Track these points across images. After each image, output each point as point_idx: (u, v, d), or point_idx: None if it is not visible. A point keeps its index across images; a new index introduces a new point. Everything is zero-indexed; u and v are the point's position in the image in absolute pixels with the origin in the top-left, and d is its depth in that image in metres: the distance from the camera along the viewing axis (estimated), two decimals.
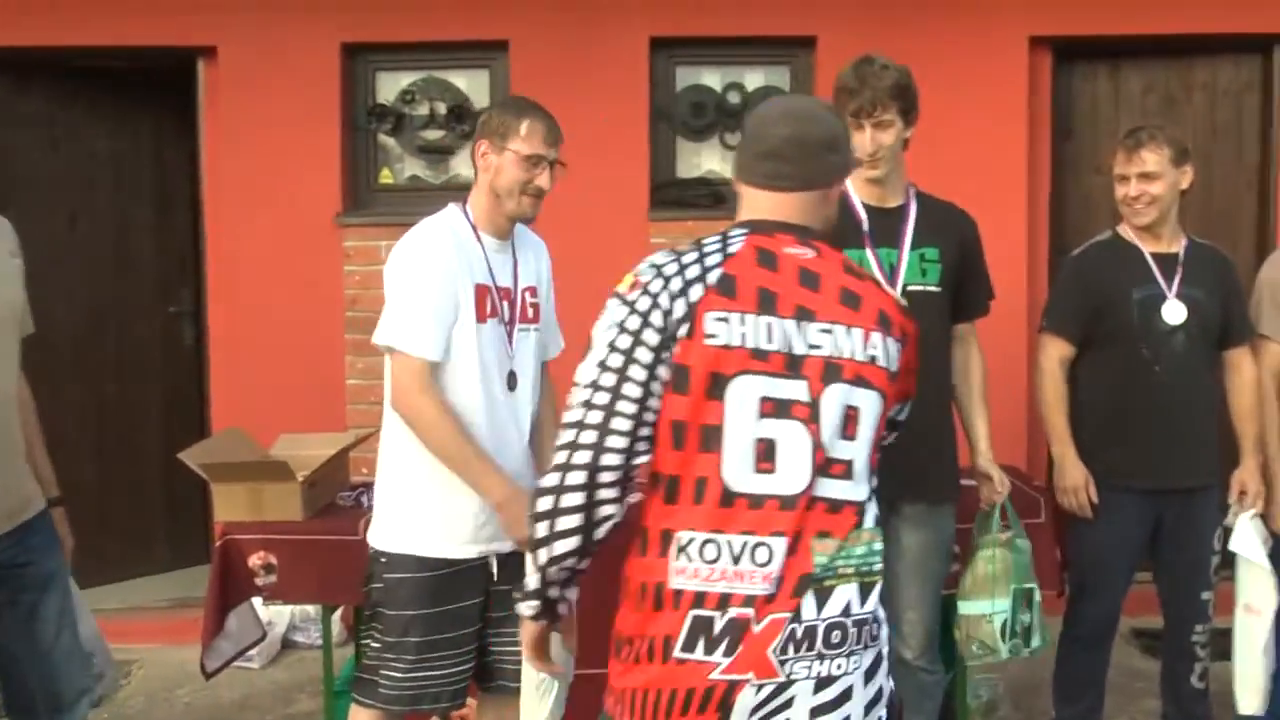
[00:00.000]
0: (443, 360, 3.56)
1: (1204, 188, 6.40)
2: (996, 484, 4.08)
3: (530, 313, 3.80)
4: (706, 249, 2.56)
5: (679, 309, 2.47)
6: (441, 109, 6.43)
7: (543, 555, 2.51)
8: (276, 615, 6.00)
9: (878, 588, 2.55)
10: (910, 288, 3.88)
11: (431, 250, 3.58)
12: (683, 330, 2.46)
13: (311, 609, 6.00)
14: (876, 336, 2.55)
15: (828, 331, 2.51)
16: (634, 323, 2.49)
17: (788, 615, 2.44)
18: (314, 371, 6.27)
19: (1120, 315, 4.30)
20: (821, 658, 2.46)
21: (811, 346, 2.50)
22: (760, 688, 2.44)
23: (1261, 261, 4.88)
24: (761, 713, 2.45)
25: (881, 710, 2.57)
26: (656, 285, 2.50)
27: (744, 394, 2.46)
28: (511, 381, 3.71)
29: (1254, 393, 4.48)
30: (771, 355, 2.47)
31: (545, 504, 2.48)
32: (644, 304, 2.49)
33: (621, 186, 6.22)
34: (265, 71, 6.25)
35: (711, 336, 2.45)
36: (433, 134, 6.45)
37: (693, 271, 2.51)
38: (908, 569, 3.98)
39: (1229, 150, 6.56)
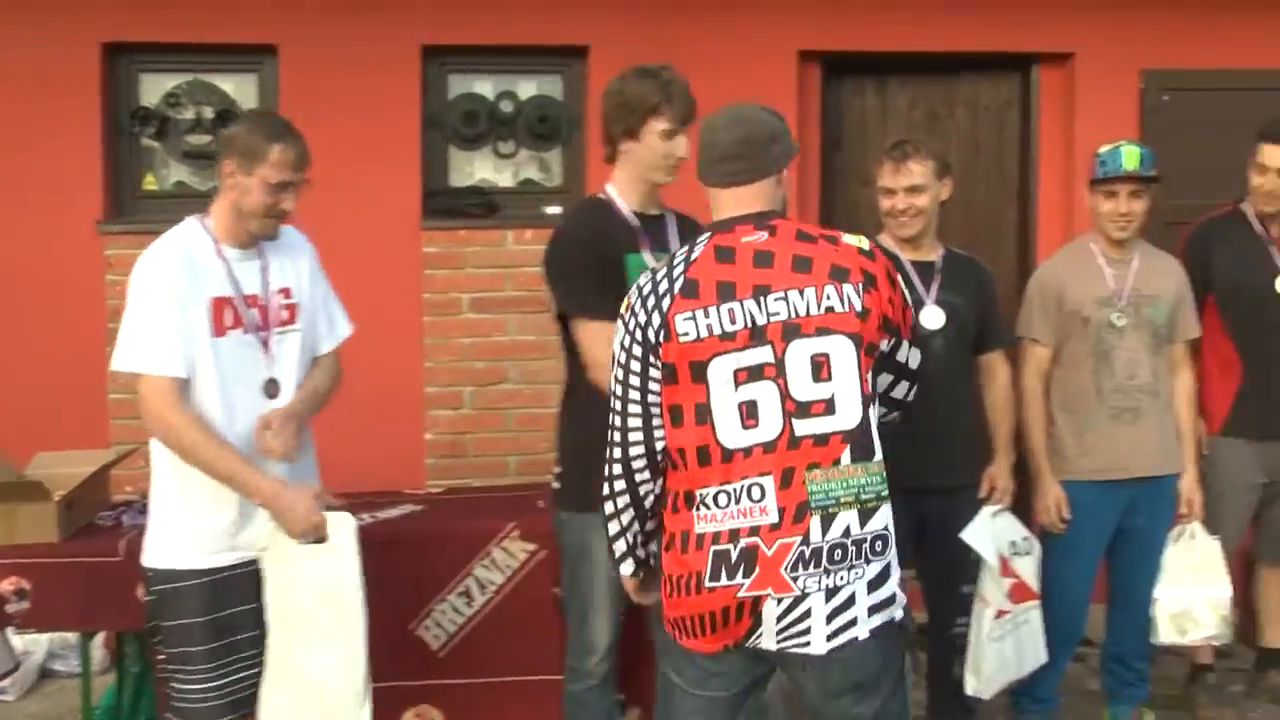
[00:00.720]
0: (189, 375, 3.53)
1: (967, 200, 6.59)
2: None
3: (286, 315, 3.76)
4: (674, 262, 3.11)
5: (655, 320, 3.04)
6: (208, 113, 6.25)
7: (614, 527, 3.21)
8: (33, 643, 5.76)
9: (880, 511, 3.01)
10: None
11: (159, 269, 3.55)
12: (661, 336, 3.03)
13: (71, 635, 5.77)
14: (830, 288, 3.02)
15: (782, 299, 3.00)
16: (626, 339, 3.10)
17: (797, 539, 2.95)
18: (75, 386, 6.02)
19: None
20: (828, 572, 2.96)
21: (771, 315, 3.00)
22: (780, 600, 2.97)
23: (1024, 270, 5.07)
24: (785, 621, 2.98)
25: (895, 611, 3.05)
26: (638, 305, 3.09)
27: (720, 371, 3.01)
28: (271, 389, 3.68)
29: (1007, 395, 4.71)
30: (737, 334, 3.00)
31: (605, 490, 3.16)
32: (631, 323, 3.10)
33: (394, 195, 6.14)
34: (23, 72, 6.01)
35: (684, 335, 3.01)
36: (199, 139, 6.26)
37: (663, 286, 3.07)
38: None
39: (991, 164, 6.76)
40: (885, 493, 3.04)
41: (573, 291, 3.90)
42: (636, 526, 3.20)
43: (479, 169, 6.42)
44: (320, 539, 3.63)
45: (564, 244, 3.98)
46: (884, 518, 3.03)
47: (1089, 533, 4.78)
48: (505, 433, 6.23)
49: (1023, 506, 4.74)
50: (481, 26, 6.16)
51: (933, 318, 4.44)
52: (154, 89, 6.26)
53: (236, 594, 3.65)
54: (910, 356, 3.23)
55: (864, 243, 3.16)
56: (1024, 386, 4.78)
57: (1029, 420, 4.76)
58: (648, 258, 3.90)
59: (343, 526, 3.68)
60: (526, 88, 6.42)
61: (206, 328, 3.56)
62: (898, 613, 3.07)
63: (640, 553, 3.26)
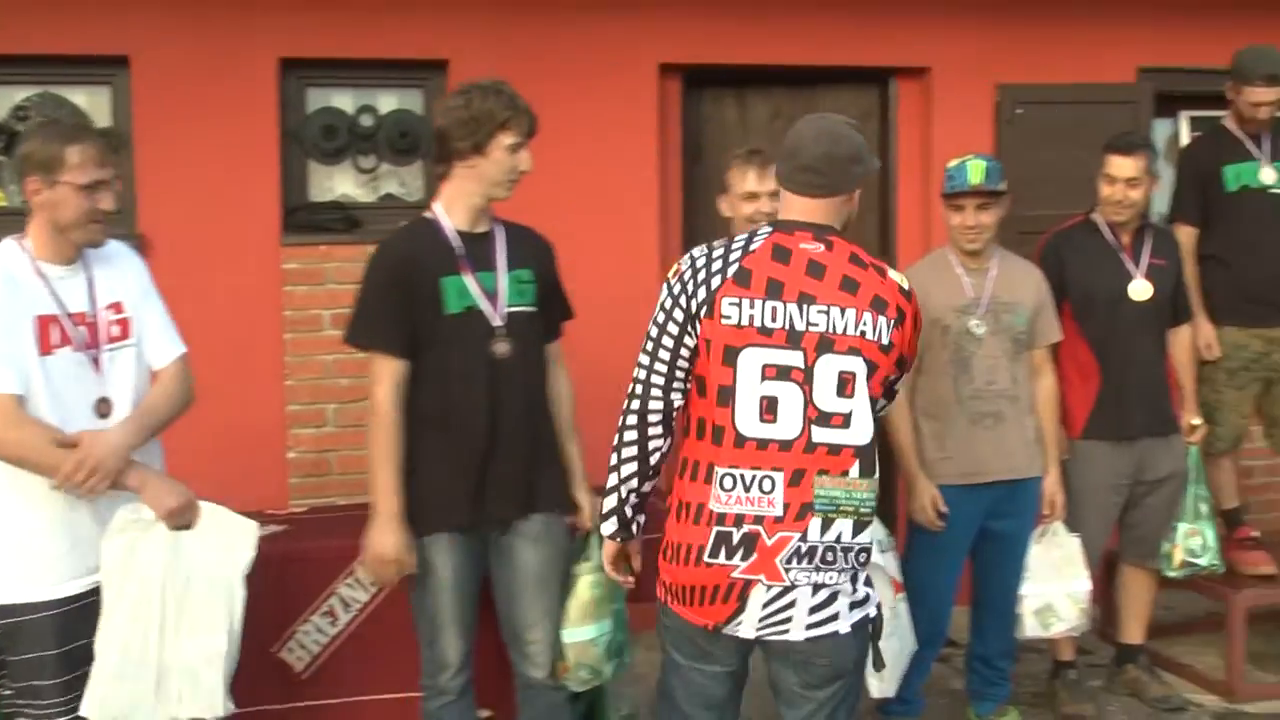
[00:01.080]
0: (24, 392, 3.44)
1: None
2: (587, 514, 4.18)
3: (117, 331, 3.68)
4: (733, 246, 3.31)
5: (702, 294, 3.24)
6: None
7: (613, 479, 3.38)
8: None
9: (870, 527, 3.29)
10: (511, 309, 3.97)
11: None
12: (704, 311, 3.23)
13: None
14: (869, 315, 3.25)
15: (824, 312, 3.22)
16: (669, 302, 3.30)
17: (796, 535, 3.19)
18: None
19: None
20: (818, 569, 3.22)
21: (810, 324, 3.21)
22: (769, 587, 3.22)
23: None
24: (771, 608, 3.23)
25: (869, 609, 3.36)
26: (688, 273, 3.29)
27: (750, 362, 3.21)
28: (103, 408, 3.61)
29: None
30: (775, 331, 3.20)
31: (615, 441, 3.35)
32: (677, 288, 3.29)
33: (252, 211, 6.03)
34: None
35: (726, 317, 3.22)
36: None
37: (717, 265, 3.27)
38: (528, 585, 4.05)
39: None
40: (875, 510, 3.31)
41: (362, 324, 3.97)
42: (634, 483, 3.38)
43: (339, 184, 6.35)
44: (187, 525, 3.59)
45: (369, 273, 3.98)
46: (870, 534, 3.32)
47: (953, 535, 4.86)
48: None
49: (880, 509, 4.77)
50: (340, 39, 6.08)
51: None
52: (2, 102, 6.09)
53: (89, 624, 3.55)
54: (901, 383, 3.51)
55: (905, 282, 3.40)
56: None
57: (896, 422, 4.82)
58: (468, 280, 3.93)
59: (244, 524, 3.72)
60: (387, 101, 6.35)
61: (34, 346, 3.47)
62: (872, 610, 3.39)
63: (629, 513, 3.43)
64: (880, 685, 4.56)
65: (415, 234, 4.01)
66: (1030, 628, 5.03)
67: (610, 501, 3.42)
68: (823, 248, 3.28)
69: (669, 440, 3.36)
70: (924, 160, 6.69)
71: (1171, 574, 5.49)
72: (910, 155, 6.72)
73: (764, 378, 3.20)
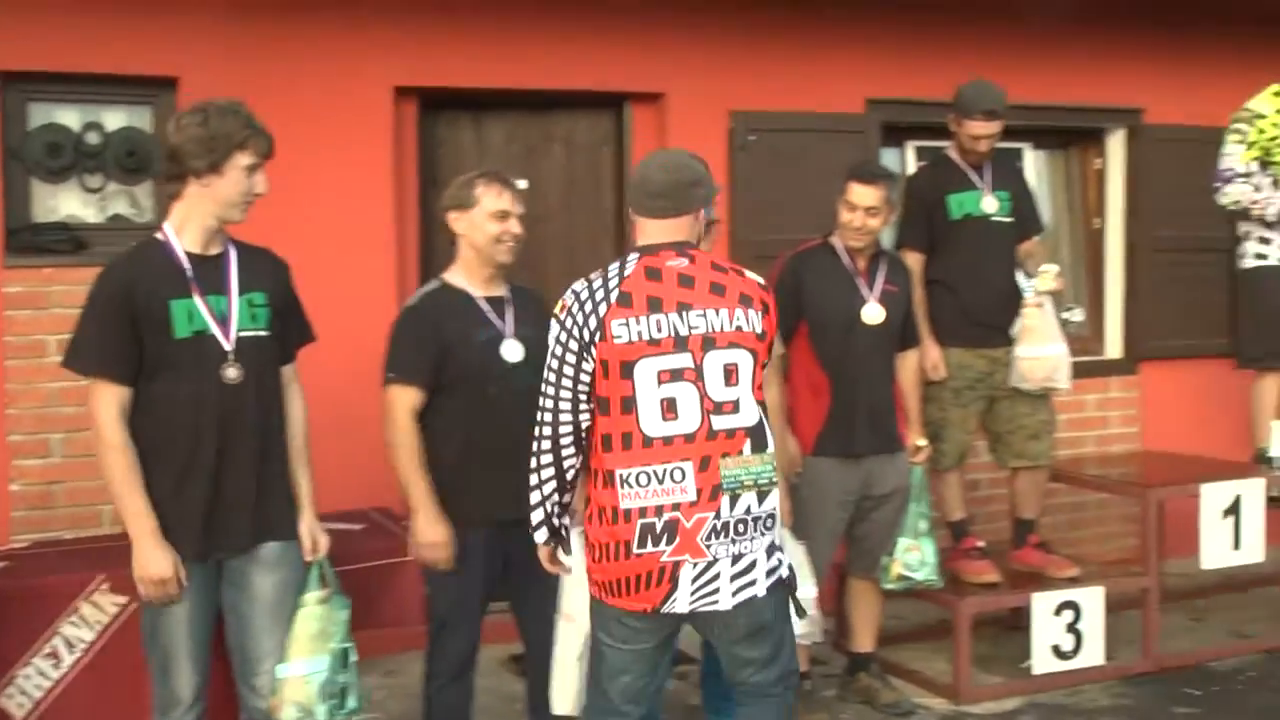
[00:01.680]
0: None
1: (565, 235, 6.78)
2: (315, 546, 4.16)
3: None
4: (609, 275, 3.73)
5: (592, 323, 3.65)
6: None
7: (536, 496, 3.82)
8: None
9: (771, 494, 3.74)
10: (243, 334, 3.93)
11: None
12: (597, 336, 3.64)
13: None
14: (739, 311, 3.73)
15: (702, 316, 3.69)
16: (564, 336, 3.70)
17: (711, 514, 3.64)
18: None
19: (465, 357, 4.44)
20: (734, 541, 3.68)
21: (692, 328, 3.68)
22: (696, 564, 3.66)
23: None
24: (699, 581, 3.67)
25: (783, 572, 3.80)
26: (575, 307, 3.70)
27: (646, 371, 3.65)
28: None
29: None
30: (663, 340, 3.65)
31: (532, 463, 3.78)
32: (569, 322, 3.70)
33: None
34: None
35: (617, 337, 3.64)
36: None
37: (600, 294, 3.69)
38: (264, 614, 4.00)
39: (587, 200, 6.94)
40: (775, 479, 3.77)
41: (82, 349, 3.88)
42: (556, 497, 3.82)
43: (64, 203, 6.13)
44: None
45: (92, 295, 3.89)
46: (774, 500, 3.76)
47: None
48: (97, 481, 5.92)
49: None
50: (65, 53, 5.88)
51: (513, 351, 4.50)
52: None
53: None
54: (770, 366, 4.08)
55: (760, 279, 3.90)
56: None
57: None
58: (198, 302, 3.87)
59: None
60: (114, 119, 6.17)
61: None
62: (784, 571, 3.81)
63: (555, 522, 3.87)
64: (565, 703, 4.55)
65: (143, 256, 3.92)
66: None
67: (538, 515, 3.85)
68: (686, 261, 3.76)
69: (581, 457, 3.77)
70: None
71: (889, 586, 5.68)
72: None
73: (660, 382, 3.65)
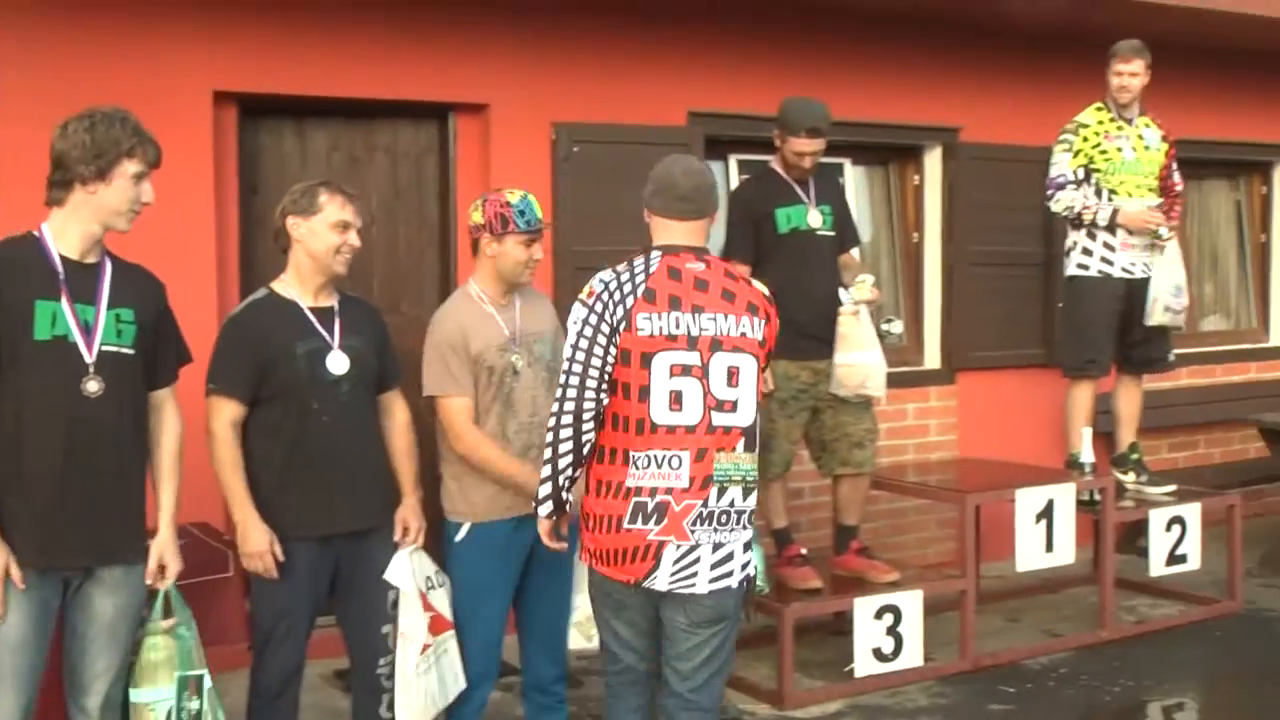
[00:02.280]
0: None
1: (389, 245, 6.73)
2: (164, 570, 4.10)
3: None
4: (635, 270, 4.02)
5: (619, 312, 3.92)
6: None
7: (548, 469, 4.00)
8: None
9: (753, 492, 4.06)
10: (105, 348, 3.86)
11: None
12: (623, 325, 3.92)
13: None
14: (745, 319, 4.03)
15: (712, 319, 3.98)
16: (593, 319, 3.94)
17: (699, 502, 3.93)
18: None
19: (288, 369, 4.39)
20: (717, 530, 3.97)
21: (703, 329, 3.96)
22: (679, 546, 3.94)
23: None
24: (680, 564, 3.94)
25: (752, 569, 4.10)
26: (605, 295, 3.96)
27: (661, 363, 3.93)
28: None
29: (408, 434, 4.78)
30: (679, 337, 3.94)
31: (549, 436, 3.98)
32: (599, 308, 3.94)
33: None
34: None
35: (641, 330, 3.92)
36: None
37: (627, 287, 3.96)
38: (100, 634, 3.93)
39: (411, 209, 6.89)
40: (757, 478, 4.08)
41: None
42: (570, 471, 4.00)
43: None
44: None
45: None
46: (754, 499, 4.06)
47: (502, 570, 4.84)
48: None
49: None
50: None
51: (339, 363, 4.44)
52: None
53: None
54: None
55: (765, 289, 4.18)
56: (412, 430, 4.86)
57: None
58: (64, 307, 3.80)
59: None
60: None
61: None
62: (751, 570, 4.10)
63: (563, 496, 4.04)
64: (404, 716, 4.57)
65: (12, 250, 3.85)
66: (574, 640, 5.09)
67: (546, 489, 4.02)
68: (703, 266, 4.05)
69: (598, 432, 3.97)
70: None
71: None
72: (470, 190, 6.66)
73: (671, 375, 3.92)
